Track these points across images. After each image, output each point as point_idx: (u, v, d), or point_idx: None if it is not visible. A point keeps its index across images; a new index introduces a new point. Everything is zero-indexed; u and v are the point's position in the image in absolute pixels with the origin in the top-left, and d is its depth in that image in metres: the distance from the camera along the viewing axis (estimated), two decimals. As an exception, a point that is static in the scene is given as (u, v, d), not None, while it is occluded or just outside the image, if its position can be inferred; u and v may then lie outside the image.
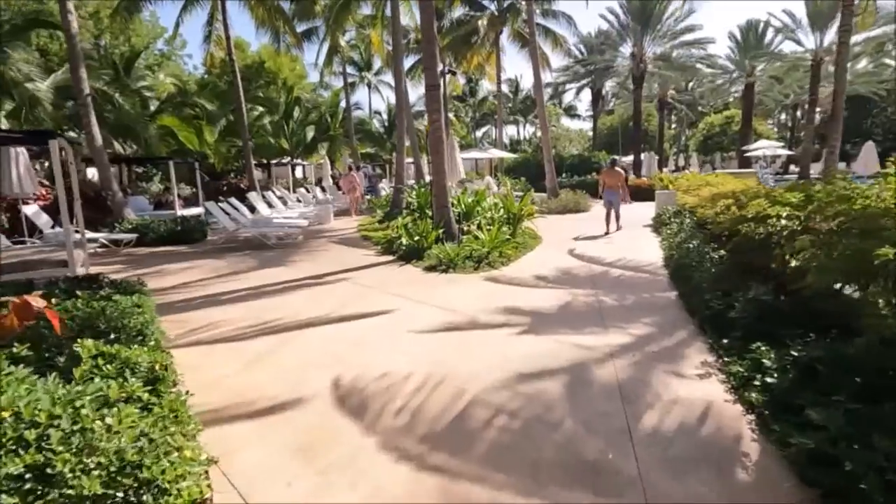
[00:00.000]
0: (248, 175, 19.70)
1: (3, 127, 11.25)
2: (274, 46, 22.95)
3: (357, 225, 13.85)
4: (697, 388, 3.40)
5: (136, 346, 3.26)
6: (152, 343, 3.58)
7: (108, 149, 16.02)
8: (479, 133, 57.85)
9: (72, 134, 15.16)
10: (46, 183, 11.31)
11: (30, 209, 9.87)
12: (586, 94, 47.53)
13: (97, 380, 2.55)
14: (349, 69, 39.58)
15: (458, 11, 25.10)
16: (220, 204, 11.56)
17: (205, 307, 5.80)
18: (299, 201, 18.38)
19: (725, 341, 3.83)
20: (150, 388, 2.70)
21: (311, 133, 26.86)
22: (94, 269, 8.29)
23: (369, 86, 42.03)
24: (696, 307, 4.81)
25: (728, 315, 4.09)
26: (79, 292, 4.25)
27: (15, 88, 10.02)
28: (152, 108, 18.70)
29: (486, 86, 48.63)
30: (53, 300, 4.05)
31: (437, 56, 8.39)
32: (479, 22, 22.58)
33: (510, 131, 61.49)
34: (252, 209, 13.86)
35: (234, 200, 12.74)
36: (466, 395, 3.38)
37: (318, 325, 5.10)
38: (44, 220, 10.04)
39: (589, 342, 4.33)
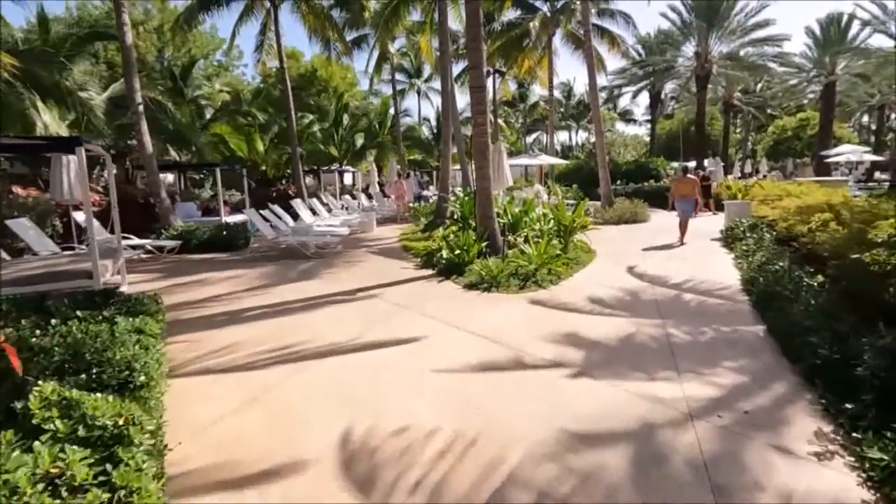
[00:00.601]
0: (295, 182, 19.82)
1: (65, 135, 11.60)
2: (325, 55, 23.21)
3: (400, 234, 13.38)
4: (817, 476, 2.52)
5: (113, 388, 2.79)
6: (141, 380, 3.11)
7: (166, 156, 16.52)
8: (529, 139, 56.71)
9: (132, 143, 15.67)
10: (100, 189, 11.57)
11: (81, 215, 10.03)
12: (643, 98, 45.47)
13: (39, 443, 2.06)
14: (399, 76, 39.81)
15: (510, 14, 24.43)
16: (262, 211, 11.42)
17: (227, 325, 5.39)
18: (344, 208, 18.23)
19: (850, 406, 2.90)
20: (106, 450, 2.18)
21: (360, 140, 26.95)
22: (131, 278, 8.23)
23: (419, 93, 42.04)
24: (797, 351, 3.85)
25: (850, 368, 3.14)
26: (80, 313, 3.89)
27: (70, 97, 10.26)
28: (208, 116, 19.16)
29: (537, 90, 47.58)
30: (53, 321, 3.72)
31: (483, 54, 7.74)
32: (531, 24, 21.77)
33: (562, 137, 59.94)
34: (296, 216, 13.73)
35: (276, 208, 12.60)
36: (503, 466, 2.66)
37: (338, 352, 4.54)
38: (94, 227, 10.18)
39: (660, 393, 3.50)
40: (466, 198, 12.33)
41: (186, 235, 11.13)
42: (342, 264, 9.19)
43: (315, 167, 26.18)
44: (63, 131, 11.91)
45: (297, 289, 7.09)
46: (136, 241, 10.53)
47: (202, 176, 22.72)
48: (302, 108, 25.71)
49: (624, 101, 51.48)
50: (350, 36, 24.26)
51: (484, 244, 8.03)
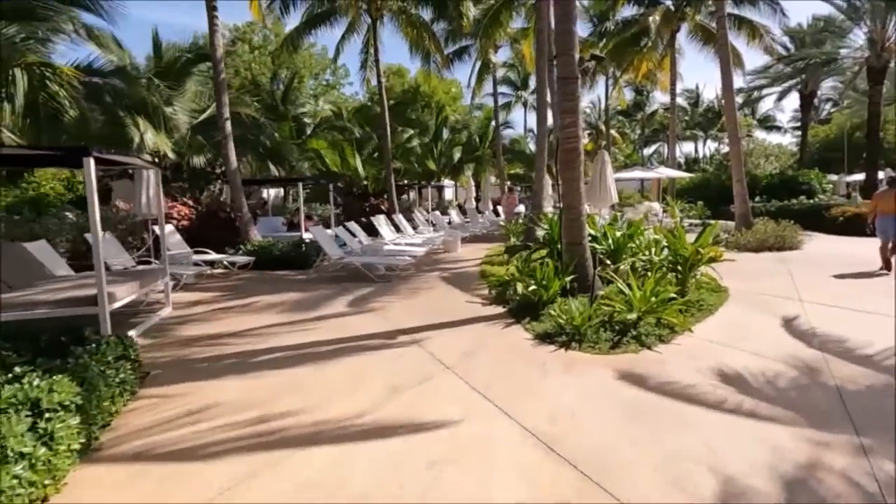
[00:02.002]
0: (388, 197, 19.41)
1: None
2: (425, 68, 22.79)
3: (485, 255, 11.92)
4: None
5: None
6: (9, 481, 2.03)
7: (264, 171, 16.96)
8: (647, 151, 51.95)
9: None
10: (190, 203, 11.79)
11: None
12: (790, 101, 39.00)
13: None
14: (506, 89, 38.75)
15: (626, 12, 21.98)
16: (334, 228, 10.75)
17: (225, 375, 4.36)
18: (432, 224, 17.27)
19: None
20: None
21: (457, 154, 26.12)
22: (189, 296, 7.80)
23: (525, 105, 40.50)
24: None
25: None
26: (19, 368, 3.02)
27: (155, 112, 10.52)
28: (308, 132, 19.57)
29: (657, 98, 43.32)
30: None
31: (574, 37, 6.06)
32: (650, 19, 19.15)
33: (686, 148, 54.14)
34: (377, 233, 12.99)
35: (353, 225, 11.91)
36: None
37: (331, 438, 3.20)
38: (175, 241, 10.22)
39: None
40: (556, 217, 10.55)
41: (262, 251, 10.80)
42: (404, 291, 7.97)
43: (414, 182, 25.86)
44: (167, 148, 12.40)
45: (339, 325, 5.97)
46: (211, 255, 10.40)
47: (307, 191, 23.48)
48: (404, 123, 25.62)
49: (765, 106, 44.75)
50: (451, 48, 23.72)
51: (570, 279, 6.25)
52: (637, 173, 20.79)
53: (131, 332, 5.55)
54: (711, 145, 51.63)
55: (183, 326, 6.04)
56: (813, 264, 9.47)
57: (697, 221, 19.10)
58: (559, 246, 8.18)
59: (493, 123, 27.57)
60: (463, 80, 35.16)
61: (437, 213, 18.89)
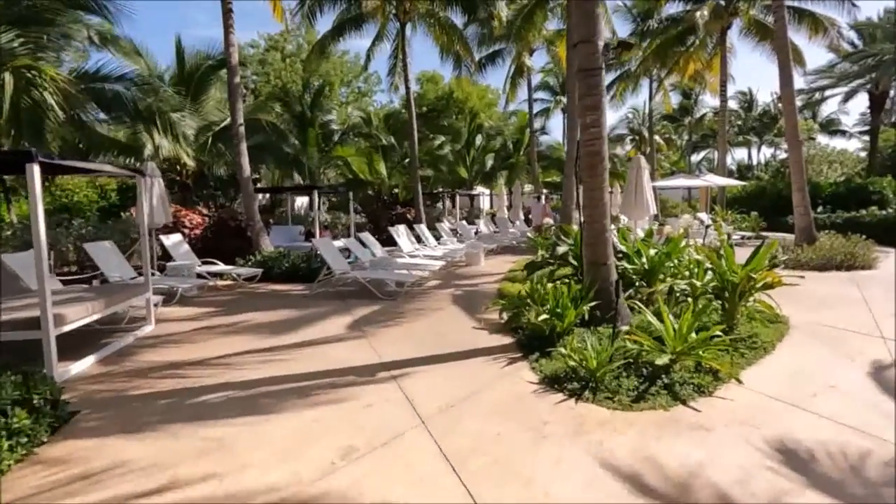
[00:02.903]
0: (415, 206, 18.78)
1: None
2: (455, 74, 22.12)
3: (508, 270, 10.98)
4: None
5: None
6: None
7: (288, 179, 16.67)
8: (695, 158, 49.19)
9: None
10: (205, 212, 11.47)
11: (170, 239, 9.77)
12: (858, 102, 35.80)
13: None
14: (544, 94, 37.57)
15: (670, 9, 20.55)
16: (343, 240, 10.12)
17: (151, 423, 3.68)
18: (458, 234, 16.43)
19: None
20: None
21: (490, 161, 25.24)
22: (179, 311, 7.29)
23: (564, 111, 39.09)
24: None
25: None
26: None
27: (161, 118, 10.24)
28: (336, 139, 19.25)
29: (706, 102, 40.85)
30: None
31: (599, 22, 5.12)
32: (698, 15, 17.69)
33: (739, 155, 51.07)
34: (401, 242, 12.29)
35: (366, 235, 11.26)
36: None
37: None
38: (182, 251, 9.87)
39: None
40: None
41: (270, 263, 10.30)
42: (407, 313, 7.17)
43: (445, 190, 25.16)
44: (186, 156, 12.19)
45: (317, 355, 5.22)
46: (218, 267, 9.98)
47: (335, 199, 23.20)
48: (436, 130, 25.04)
49: (827, 108, 41.45)
50: (485, 52, 22.93)
51: (591, 305, 5.25)
52: (680, 181, 19.23)
53: (91, 357, 5.01)
54: (767, 151, 48.54)
55: (151, 350, 5.46)
56: (885, 286, 8.00)
57: (750, 234, 17.39)
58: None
59: (529, 129, 26.58)
60: (498, 86, 34.35)
61: (464, 222, 18.05)
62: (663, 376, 4.05)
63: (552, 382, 4.18)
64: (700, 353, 4.24)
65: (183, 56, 13.04)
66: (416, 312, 7.21)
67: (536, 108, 36.69)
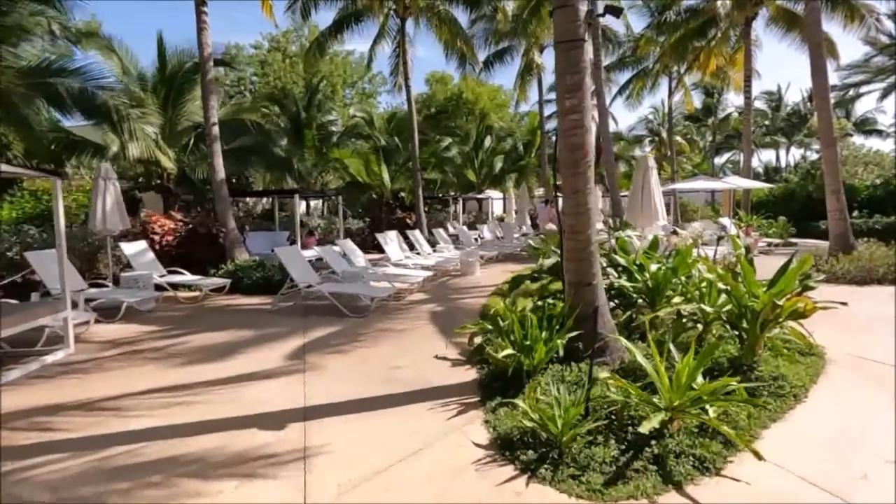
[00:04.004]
0: (415, 210, 17.86)
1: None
2: (461, 72, 21.18)
3: (503, 281, 9.94)
4: None
5: None
6: None
7: (282, 182, 15.92)
8: (719, 160, 47.13)
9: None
10: (178, 217, 10.74)
11: (132, 247, 9.03)
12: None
13: None
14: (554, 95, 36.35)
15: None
16: (317, 248, 9.26)
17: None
18: (457, 239, 15.43)
19: None
20: None
21: (499, 163, 24.19)
22: (117, 330, 6.49)
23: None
24: None
25: None
26: None
27: (118, 115, 9.53)
28: (335, 141, 18.49)
29: (731, 101, 38.98)
30: None
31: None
32: (719, 3, 16.35)
33: (766, 156, 48.83)
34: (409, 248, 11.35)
35: (346, 242, 10.36)
36: None
37: None
38: (146, 260, 9.12)
39: None
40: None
41: (241, 273, 9.49)
42: (369, 335, 6.21)
43: (451, 193, 24.21)
44: (166, 159, 11.52)
45: (230, 397, 4.29)
46: (184, 277, 9.20)
47: (330, 201, 22.41)
48: (444, 131, 24.11)
49: (863, 106, 39.16)
50: (492, 50, 21.92)
51: (570, 335, 4.21)
52: (700, 183, 17.86)
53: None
54: (796, 153, 46.19)
55: (44, 384, 4.63)
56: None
57: (778, 241, 15.95)
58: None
59: (540, 130, 25.45)
60: (509, 86, 33.19)
61: (465, 228, 17.03)
62: (653, 444, 3.00)
63: (504, 447, 3.16)
64: (706, 408, 3.17)
65: (164, 55, 12.41)
66: (379, 334, 6.25)
67: (549, 108, 35.54)
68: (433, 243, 14.41)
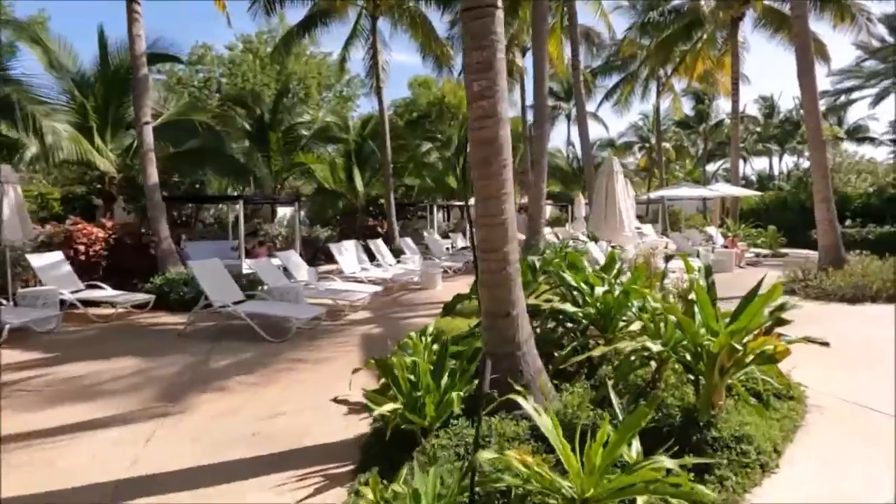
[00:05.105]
0: (387, 218, 16.98)
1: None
2: (437, 75, 20.37)
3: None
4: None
5: None
6: None
7: (243, 188, 14.99)
8: (711, 167, 46.45)
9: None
10: (108, 224, 9.78)
11: (42, 259, 8.07)
12: (887, 107, 33.06)
13: None
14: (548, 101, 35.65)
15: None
16: (250, 260, 8.34)
17: None
18: (427, 249, 14.51)
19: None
20: None
21: (480, 169, 23.32)
22: (12, 356, 5.54)
23: (569, 117, 37.08)
24: None
25: None
26: None
27: (21, 112, 8.60)
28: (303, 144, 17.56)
29: (722, 108, 38.30)
30: None
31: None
32: (702, 2, 15.60)
33: (759, 164, 48.28)
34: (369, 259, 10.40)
35: (289, 255, 9.44)
36: None
37: None
38: (59, 274, 8.16)
39: None
40: (562, 250, 7.60)
41: (168, 287, 8.55)
42: (273, 369, 5.27)
43: (428, 200, 23.29)
44: (107, 162, 10.60)
45: (46, 459, 3.36)
46: (104, 292, 8.25)
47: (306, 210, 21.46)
48: (424, 136, 23.27)
49: (855, 113, 38.62)
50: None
51: (470, 386, 3.28)
52: (683, 190, 17.01)
53: None
54: (789, 160, 45.62)
55: None
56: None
57: (767, 252, 15.12)
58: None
59: (523, 136, 24.64)
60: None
61: (437, 237, 16.13)
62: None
63: (343, 560, 2.23)
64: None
65: (106, 50, 11.50)
66: (287, 367, 5.32)
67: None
68: (399, 253, 13.51)
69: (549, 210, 36.48)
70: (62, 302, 7.60)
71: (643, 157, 41.00)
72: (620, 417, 3.13)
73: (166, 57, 12.35)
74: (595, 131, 39.44)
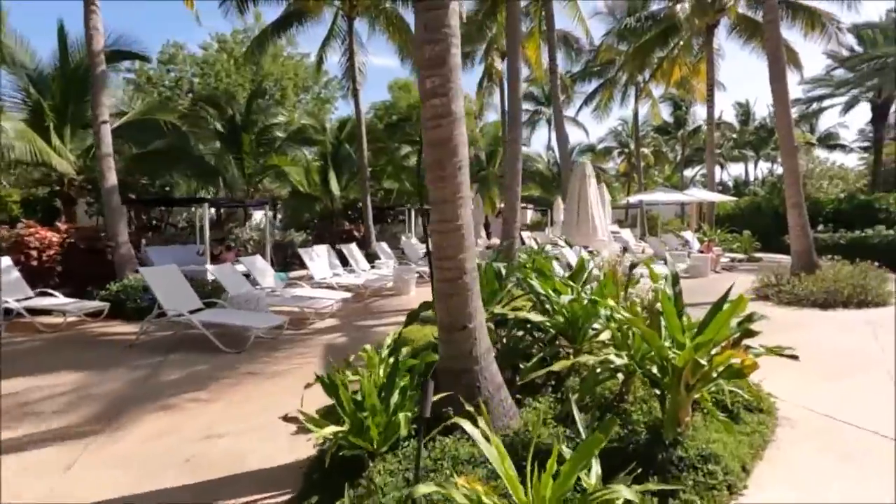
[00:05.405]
0: (364, 221, 16.66)
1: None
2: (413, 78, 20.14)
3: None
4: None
5: None
6: None
7: (213, 191, 14.54)
8: (690, 172, 47.15)
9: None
10: (63, 227, 9.30)
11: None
12: (856, 116, 33.84)
13: None
14: (526, 105, 35.69)
15: (655, 5, 18.59)
16: (212, 266, 7.98)
17: None
18: (402, 255, 14.26)
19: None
20: None
21: (459, 173, 23.16)
22: None
23: (549, 122, 37.22)
24: None
25: None
26: None
27: None
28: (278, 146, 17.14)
29: (700, 114, 38.92)
30: None
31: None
32: (678, 7, 15.71)
33: (735, 170, 49.21)
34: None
35: (252, 260, 9.10)
36: None
37: None
38: (5, 281, 7.67)
39: None
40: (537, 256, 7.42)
41: (125, 295, 8.12)
42: (224, 383, 4.96)
43: (406, 204, 23.03)
44: (66, 162, 10.12)
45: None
46: (54, 300, 7.78)
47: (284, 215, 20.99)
48: (403, 140, 23.02)
49: (827, 121, 39.54)
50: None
51: (411, 409, 3.04)
52: (660, 195, 17.10)
53: None
54: (764, 167, 46.56)
55: None
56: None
57: (742, 256, 15.22)
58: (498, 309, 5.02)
59: (503, 140, 24.58)
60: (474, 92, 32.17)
61: (415, 241, 15.89)
62: None
63: None
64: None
65: (66, 46, 11.00)
66: (239, 380, 5.01)
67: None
68: (374, 258, 13.23)
69: (529, 214, 36.55)
70: (7, 311, 7.17)
71: (623, 162, 41.43)
72: (583, 435, 2.94)
73: (130, 54, 11.87)
74: (576, 136, 39.74)
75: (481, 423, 2.51)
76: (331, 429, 2.78)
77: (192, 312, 6.36)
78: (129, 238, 9.71)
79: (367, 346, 3.97)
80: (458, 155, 3.15)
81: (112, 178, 9.01)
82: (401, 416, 2.82)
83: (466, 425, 2.35)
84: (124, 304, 7.98)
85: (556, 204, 20.01)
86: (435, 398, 3.14)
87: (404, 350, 4.02)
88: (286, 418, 3.98)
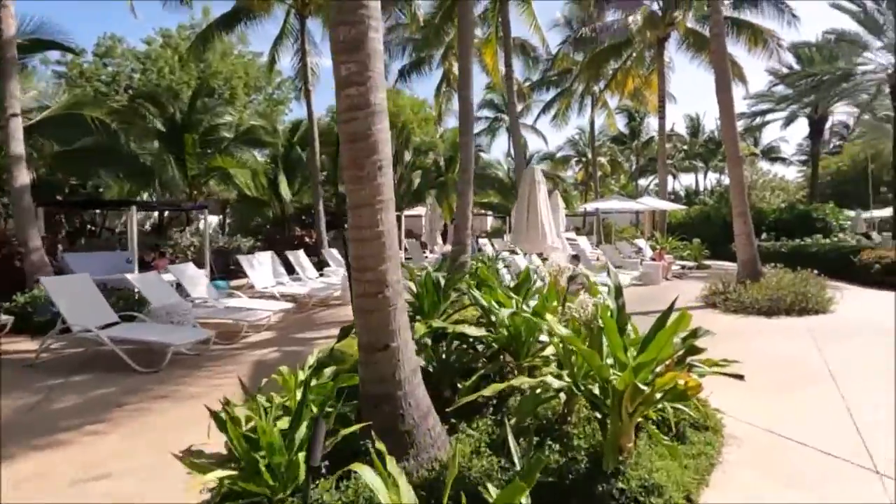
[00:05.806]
0: (316, 227, 16.06)
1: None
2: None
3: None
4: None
5: None
6: None
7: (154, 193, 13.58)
8: (643, 182, 48.66)
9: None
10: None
11: None
12: (796, 131, 35.82)
13: None
14: (487, 112, 35.82)
15: (610, 17, 18.90)
16: (137, 274, 7.30)
17: None
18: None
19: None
20: None
21: (417, 179, 22.86)
22: None
23: (509, 130, 37.47)
24: None
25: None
26: None
27: None
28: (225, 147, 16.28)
29: (653, 126, 40.25)
30: None
31: None
32: (630, 19, 16.00)
33: (686, 180, 51.05)
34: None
35: (186, 268, 8.43)
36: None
37: None
38: None
39: None
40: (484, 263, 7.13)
41: (33, 307, 7.30)
42: (125, 410, 4.37)
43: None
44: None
45: None
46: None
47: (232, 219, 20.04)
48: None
49: (769, 135, 41.73)
50: (409, 61, 20.66)
51: (348, 432, 2.65)
52: (614, 203, 17.32)
53: None
54: (713, 177, 48.51)
55: None
56: (863, 344, 5.87)
57: (692, 264, 15.54)
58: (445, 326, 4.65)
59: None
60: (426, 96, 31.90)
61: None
62: None
63: None
64: None
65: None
66: (146, 406, 4.44)
67: (479, 126, 34.82)
68: (324, 265, 12.67)
69: (489, 221, 36.51)
70: None
71: (581, 170, 42.27)
72: (518, 466, 2.61)
73: (52, 44, 10.87)
74: (535, 144, 40.33)
75: (391, 464, 2.15)
76: (216, 473, 2.34)
77: (104, 327, 5.71)
78: (46, 243, 8.83)
79: (283, 368, 3.55)
80: (379, 152, 2.79)
81: (23, 178, 8.14)
82: (299, 455, 2.41)
83: (365, 471, 1.97)
84: (31, 318, 7.18)
85: (514, 211, 20.02)
86: (351, 429, 2.76)
87: (327, 371, 3.63)
88: (189, 452, 3.48)
